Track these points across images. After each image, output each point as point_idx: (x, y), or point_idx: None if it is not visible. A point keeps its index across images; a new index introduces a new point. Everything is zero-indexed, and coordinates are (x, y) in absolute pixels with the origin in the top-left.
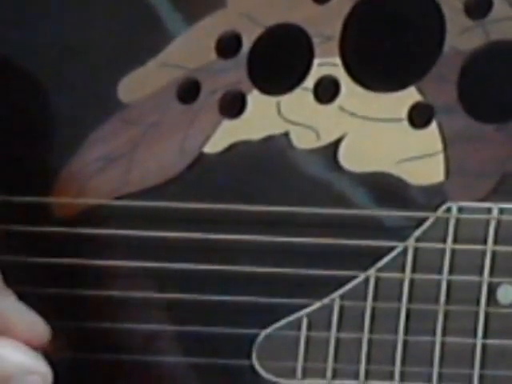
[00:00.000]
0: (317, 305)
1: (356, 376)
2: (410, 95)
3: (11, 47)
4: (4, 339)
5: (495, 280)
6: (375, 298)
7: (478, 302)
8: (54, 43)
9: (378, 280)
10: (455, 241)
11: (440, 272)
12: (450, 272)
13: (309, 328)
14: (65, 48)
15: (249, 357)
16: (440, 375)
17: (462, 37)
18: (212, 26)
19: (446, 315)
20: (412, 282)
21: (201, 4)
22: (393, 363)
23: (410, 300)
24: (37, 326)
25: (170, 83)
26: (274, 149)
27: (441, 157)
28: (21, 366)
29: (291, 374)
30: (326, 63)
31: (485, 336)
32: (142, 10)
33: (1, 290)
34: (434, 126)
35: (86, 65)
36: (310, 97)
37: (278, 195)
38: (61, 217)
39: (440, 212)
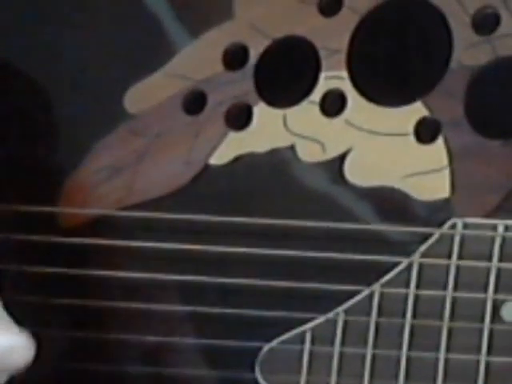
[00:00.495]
0: (321, 319)
1: None
2: (417, 110)
3: (15, 57)
4: None
5: (500, 297)
6: (379, 313)
7: (482, 319)
8: (60, 54)
9: (382, 295)
10: (460, 257)
11: (444, 288)
12: (455, 288)
13: (312, 342)
14: (71, 59)
15: (252, 370)
16: None
17: (469, 52)
18: (219, 38)
19: (450, 331)
20: (416, 298)
21: (205, 18)
22: (396, 379)
23: (414, 316)
24: None
25: (176, 94)
26: (280, 161)
27: (447, 172)
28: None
29: None
30: (333, 76)
31: (488, 353)
32: (148, 23)
33: None
34: (440, 141)
35: (92, 75)
36: (317, 110)
37: (282, 208)
38: (67, 226)
39: (445, 228)
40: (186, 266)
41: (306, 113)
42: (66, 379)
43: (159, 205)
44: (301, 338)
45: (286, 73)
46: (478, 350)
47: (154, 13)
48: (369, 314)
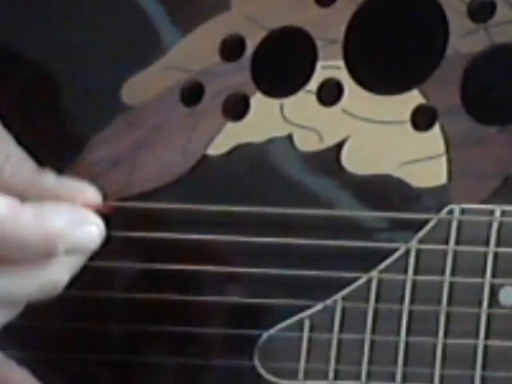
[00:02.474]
0: (319, 306)
1: (358, 377)
2: (413, 98)
3: (13, 50)
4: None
5: (497, 282)
6: (377, 300)
7: (479, 304)
8: (57, 46)
9: (380, 281)
10: (457, 243)
11: (442, 274)
12: (452, 274)
13: (311, 329)
14: (68, 51)
15: (251, 358)
16: (442, 376)
17: (464, 40)
18: (216, 29)
19: (448, 317)
20: (414, 284)
21: (196, 13)
22: (395, 364)
23: (412, 301)
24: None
25: (173, 86)
26: (277, 151)
27: (443, 159)
28: (69, 220)
29: (293, 375)
30: (330, 66)
31: (486, 337)
32: (144, 16)
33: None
34: (436, 128)
35: (89, 67)
36: (314, 99)
37: (280, 197)
38: None
39: (442, 214)
40: (184, 255)
41: (303, 102)
42: None
43: (158, 196)
44: (299, 326)
45: (282, 63)
46: (476, 334)
47: (144, 8)
48: (367, 300)
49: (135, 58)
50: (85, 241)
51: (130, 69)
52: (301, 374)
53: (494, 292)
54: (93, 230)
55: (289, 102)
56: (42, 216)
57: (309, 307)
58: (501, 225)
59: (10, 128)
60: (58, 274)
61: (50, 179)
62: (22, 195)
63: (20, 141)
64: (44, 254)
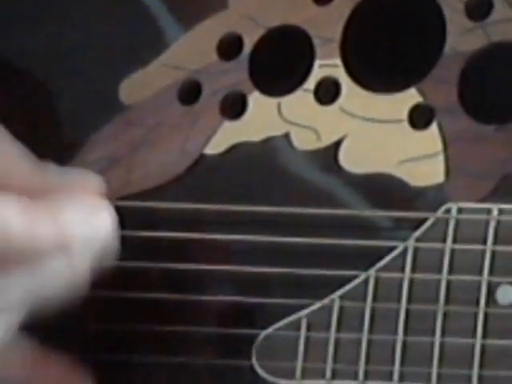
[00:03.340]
0: (316, 305)
1: (355, 376)
2: (411, 96)
3: (12, 49)
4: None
5: (494, 280)
6: (375, 299)
7: (477, 303)
8: (55, 45)
9: (377, 280)
10: (455, 241)
11: (439, 272)
12: (450, 272)
13: (308, 328)
14: (66, 50)
15: (248, 357)
16: (439, 375)
17: (462, 38)
18: (213, 28)
19: (446, 315)
20: (412, 282)
21: (198, 11)
22: (392, 363)
23: (409, 300)
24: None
25: (171, 84)
26: (275, 150)
27: (441, 157)
28: (83, 215)
29: (290, 374)
30: (327, 64)
31: (484, 336)
32: (142, 15)
33: None
34: (434, 126)
35: (87, 66)
36: (311, 98)
37: (277, 196)
38: None
39: (440, 212)
40: (181, 254)
41: (301, 101)
42: None
43: (156, 194)
44: (297, 325)
45: (280, 61)
46: (474, 333)
47: (147, 5)
48: (364, 299)
49: (136, 57)
50: (99, 231)
51: (129, 67)
52: (298, 373)
53: (491, 290)
54: (105, 219)
55: (286, 100)
56: (55, 215)
57: (306, 306)
58: (498, 223)
59: (8, 127)
60: (77, 263)
61: (52, 172)
62: (27, 190)
63: (18, 140)
64: (61, 252)
